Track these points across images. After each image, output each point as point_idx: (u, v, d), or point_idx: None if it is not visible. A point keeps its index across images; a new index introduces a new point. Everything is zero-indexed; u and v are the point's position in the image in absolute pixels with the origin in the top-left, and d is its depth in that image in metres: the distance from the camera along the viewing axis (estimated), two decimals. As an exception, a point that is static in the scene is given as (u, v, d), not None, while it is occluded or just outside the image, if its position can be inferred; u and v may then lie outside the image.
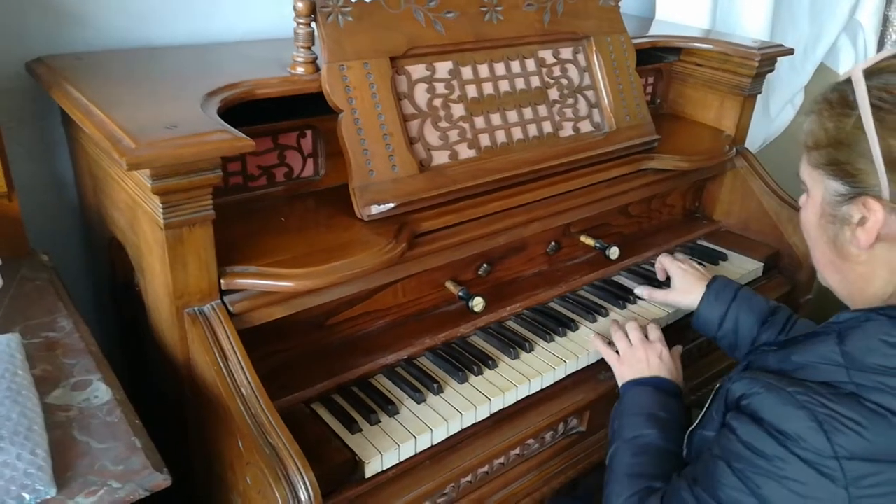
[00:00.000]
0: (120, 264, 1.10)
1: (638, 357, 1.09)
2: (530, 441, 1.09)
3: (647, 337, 1.13)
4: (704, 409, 0.94)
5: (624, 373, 1.09)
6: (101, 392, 0.81)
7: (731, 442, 0.78)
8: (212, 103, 0.94)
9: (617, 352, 1.12)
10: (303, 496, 0.80)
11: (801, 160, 0.82)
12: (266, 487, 0.80)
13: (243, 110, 0.98)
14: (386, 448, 0.94)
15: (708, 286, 1.17)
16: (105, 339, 1.28)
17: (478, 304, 1.13)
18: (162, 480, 0.71)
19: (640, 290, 1.30)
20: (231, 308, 0.92)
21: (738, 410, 0.79)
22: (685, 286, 1.21)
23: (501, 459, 1.06)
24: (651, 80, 1.61)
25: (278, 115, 1.07)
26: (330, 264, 0.94)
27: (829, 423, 0.69)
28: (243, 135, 0.84)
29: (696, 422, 0.96)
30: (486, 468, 1.05)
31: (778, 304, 1.15)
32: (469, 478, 1.03)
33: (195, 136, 0.82)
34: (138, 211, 0.92)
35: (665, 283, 1.29)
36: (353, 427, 0.96)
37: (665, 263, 1.28)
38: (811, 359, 0.76)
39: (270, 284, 0.92)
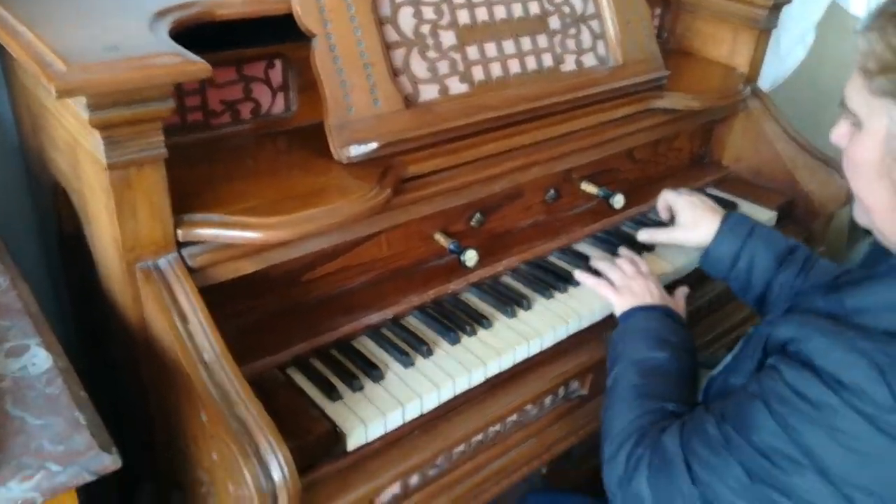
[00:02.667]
0: (66, 214, 0.97)
1: (638, 285, 1.01)
2: (529, 407, 1.00)
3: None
4: (731, 355, 0.86)
5: (624, 302, 1.00)
6: (39, 359, 0.70)
7: (776, 382, 0.70)
8: (162, 24, 0.80)
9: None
10: (276, 475, 0.70)
11: (851, 88, 0.71)
12: (234, 465, 0.71)
13: (201, 34, 0.84)
14: (370, 418, 0.84)
15: (722, 220, 1.07)
16: (55, 301, 1.16)
17: (470, 257, 1.02)
18: (110, 463, 0.61)
19: (642, 235, 1.18)
20: (190, 262, 0.80)
21: (784, 355, 0.71)
22: (693, 219, 1.10)
23: (498, 427, 0.97)
24: (658, 11, 1.47)
25: (243, 41, 0.93)
26: (304, 212, 0.82)
27: (892, 373, 0.62)
28: (199, 58, 0.71)
29: (719, 368, 0.88)
30: (481, 437, 0.96)
31: (796, 243, 1.06)
32: (462, 447, 0.94)
33: (139, 59, 0.69)
34: (79, 151, 0.79)
35: (669, 224, 1.18)
36: (333, 395, 0.86)
37: (669, 198, 1.16)
38: (870, 303, 0.68)
39: (235, 235, 0.80)
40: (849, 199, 1.36)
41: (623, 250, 1.13)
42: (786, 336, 0.72)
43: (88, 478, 0.60)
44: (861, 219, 0.78)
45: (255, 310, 0.93)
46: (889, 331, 0.67)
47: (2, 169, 1.08)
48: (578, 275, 1.07)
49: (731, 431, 0.73)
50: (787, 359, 0.71)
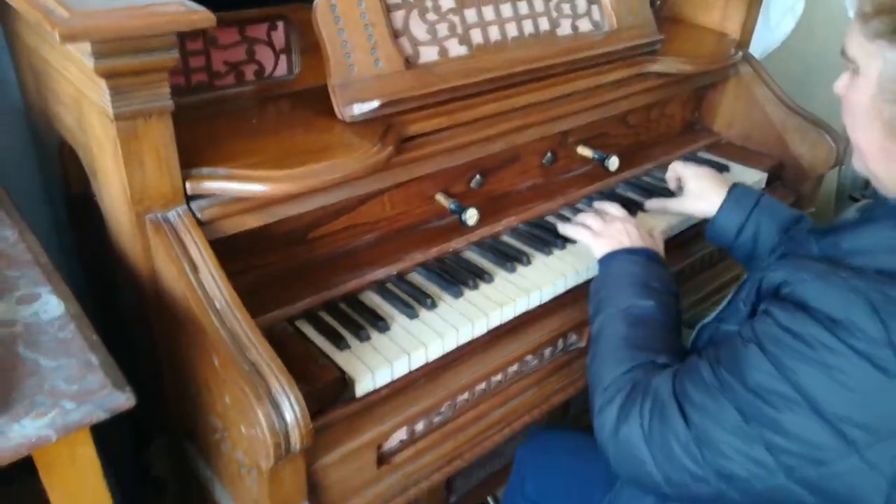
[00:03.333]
0: (74, 174, 0.99)
1: (616, 228, 1.01)
2: (529, 358, 1.03)
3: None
4: (725, 302, 0.88)
5: (602, 245, 1.01)
6: (51, 306, 0.72)
7: (769, 326, 0.71)
8: (165, -19, 0.81)
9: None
10: (288, 415, 0.72)
11: (850, 35, 0.73)
12: (247, 407, 0.73)
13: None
14: (377, 365, 0.86)
15: (729, 191, 1.08)
16: (65, 259, 1.17)
17: (471, 216, 1.04)
18: (125, 401, 0.63)
19: (651, 203, 1.20)
20: (199, 215, 0.82)
21: (777, 298, 0.73)
22: (701, 191, 1.11)
23: (499, 377, 1.00)
24: (650, -21, 1.49)
25: (245, 2, 0.94)
26: (309, 166, 0.84)
27: (886, 309, 0.63)
28: (201, 7, 0.72)
29: (711, 316, 0.89)
30: (483, 385, 0.98)
31: (801, 214, 1.07)
32: (466, 395, 0.97)
33: (142, 8, 0.70)
34: (84, 103, 0.80)
35: (674, 195, 1.19)
36: (341, 344, 0.88)
37: (678, 169, 1.17)
38: (865, 244, 0.70)
39: (242, 188, 0.81)
40: (838, 161, 1.40)
41: (599, 202, 1.14)
42: (780, 279, 0.74)
43: (103, 416, 0.62)
44: (857, 165, 0.80)
45: (263, 267, 0.95)
46: (883, 270, 0.68)
47: (7, 131, 1.08)
48: (561, 227, 1.09)
49: (725, 374, 0.74)
50: (780, 302, 0.73)
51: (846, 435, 0.67)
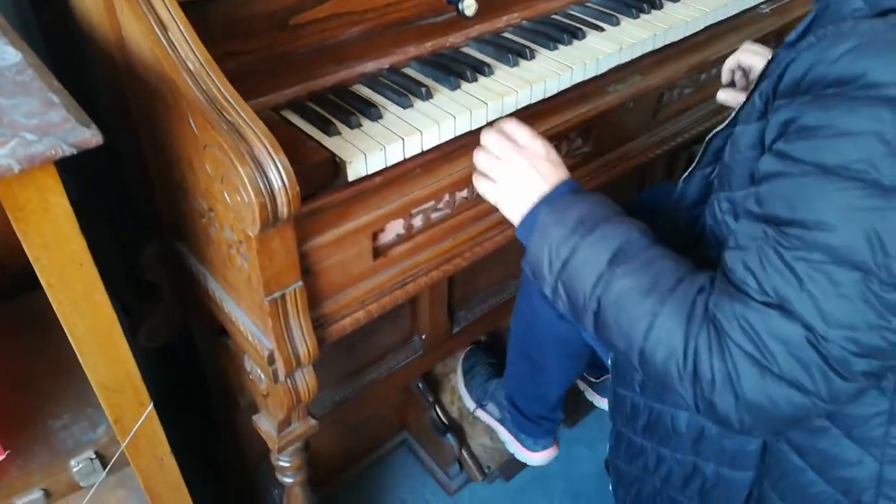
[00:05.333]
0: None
1: (520, 171, 0.77)
2: (532, 158, 0.97)
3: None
4: (735, 111, 0.75)
5: (512, 202, 0.78)
6: (8, 54, 0.66)
7: (812, 137, 0.57)
8: None
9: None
10: (273, 176, 0.68)
11: None
12: (229, 170, 0.68)
13: None
14: (370, 149, 0.81)
15: None
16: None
17: (469, 5, 0.96)
18: (90, 136, 0.58)
19: (721, 95, 1.01)
20: (164, -27, 0.74)
21: (802, 93, 0.59)
22: None
23: (500, 176, 0.95)
24: None
25: None
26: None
27: None
28: None
29: (721, 126, 0.78)
30: (483, 184, 0.93)
31: None
32: (465, 193, 0.92)
33: None
34: None
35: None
36: (330, 130, 0.83)
37: (743, 59, 0.97)
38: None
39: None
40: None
41: (485, 132, 0.82)
42: (808, 62, 0.59)
43: (67, 150, 0.57)
44: None
45: (244, 54, 0.88)
46: None
47: None
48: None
49: (797, 232, 0.59)
50: (816, 99, 0.58)
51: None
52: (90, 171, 1.13)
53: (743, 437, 0.80)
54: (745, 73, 0.99)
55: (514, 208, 0.79)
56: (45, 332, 0.91)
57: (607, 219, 0.72)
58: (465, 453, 1.45)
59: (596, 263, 0.70)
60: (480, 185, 0.83)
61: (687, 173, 0.83)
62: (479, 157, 0.82)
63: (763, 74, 0.69)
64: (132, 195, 0.97)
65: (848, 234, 0.57)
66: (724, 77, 1.02)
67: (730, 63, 0.99)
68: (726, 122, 0.77)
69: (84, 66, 0.88)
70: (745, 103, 0.72)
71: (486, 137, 0.81)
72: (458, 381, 1.50)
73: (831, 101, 0.57)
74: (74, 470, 0.82)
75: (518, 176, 0.78)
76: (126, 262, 1.06)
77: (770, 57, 0.70)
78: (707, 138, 0.81)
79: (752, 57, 0.96)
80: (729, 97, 1.00)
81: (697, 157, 0.83)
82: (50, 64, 0.78)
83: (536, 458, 1.35)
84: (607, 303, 0.69)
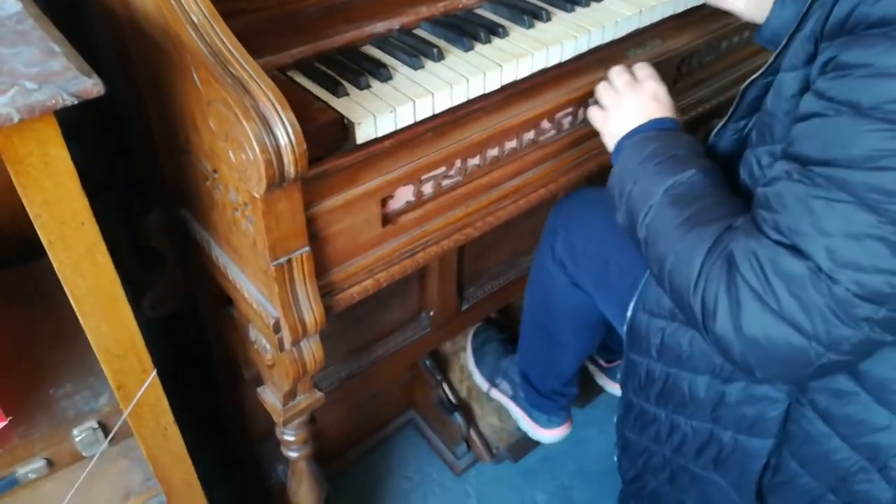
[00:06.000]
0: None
1: (626, 106, 0.86)
2: (546, 125, 0.94)
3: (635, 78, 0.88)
4: (773, 57, 0.73)
5: (612, 131, 0.86)
6: (7, 4, 0.63)
7: (854, 75, 0.56)
8: None
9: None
10: (279, 132, 0.65)
11: None
12: (234, 126, 0.66)
13: None
14: (379, 111, 0.78)
15: None
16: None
17: (483, -35, 0.92)
18: (91, 86, 0.56)
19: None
20: (168, -78, 0.71)
21: (847, 33, 0.58)
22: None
23: (514, 143, 0.92)
24: None
25: None
26: None
27: None
28: None
29: (757, 73, 0.76)
30: (496, 151, 0.91)
31: None
32: (478, 160, 0.89)
33: None
34: None
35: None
36: (338, 90, 0.80)
37: None
38: None
39: None
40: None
41: (614, 70, 0.90)
42: (826, 57, 0.60)
43: (68, 100, 0.55)
44: None
45: (250, 13, 0.85)
46: None
47: None
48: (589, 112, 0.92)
49: (822, 170, 0.59)
50: (859, 38, 0.57)
51: None
52: (93, 139, 1.11)
53: (764, 403, 0.77)
54: None
55: (612, 136, 0.87)
56: (48, 300, 0.89)
57: (674, 156, 0.77)
58: (472, 433, 1.44)
59: (651, 195, 0.75)
60: (591, 112, 0.91)
61: (719, 127, 0.80)
62: (600, 87, 0.90)
63: (805, 15, 0.67)
64: (135, 161, 0.94)
65: (871, 176, 0.56)
66: None
67: None
68: (763, 68, 0.74)
69: (84, 19, 0.86)
70: (783, 47, 0.70)
71: (612, 70, 0.90)
72: (468, 358, 1.48)
73: (872, 40, 0.56)
74: (77, 439, 0.80)
75: (623, 110, 0.86)
76: (130, 231, 1.04)
77: None
78: (742, 87, 0.79)
79: None
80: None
81: (731, 109, 0.81)
82: (49, 17, 0.76)
83: (549, 435, 1.33)
84: (652, 229, 0.74)
